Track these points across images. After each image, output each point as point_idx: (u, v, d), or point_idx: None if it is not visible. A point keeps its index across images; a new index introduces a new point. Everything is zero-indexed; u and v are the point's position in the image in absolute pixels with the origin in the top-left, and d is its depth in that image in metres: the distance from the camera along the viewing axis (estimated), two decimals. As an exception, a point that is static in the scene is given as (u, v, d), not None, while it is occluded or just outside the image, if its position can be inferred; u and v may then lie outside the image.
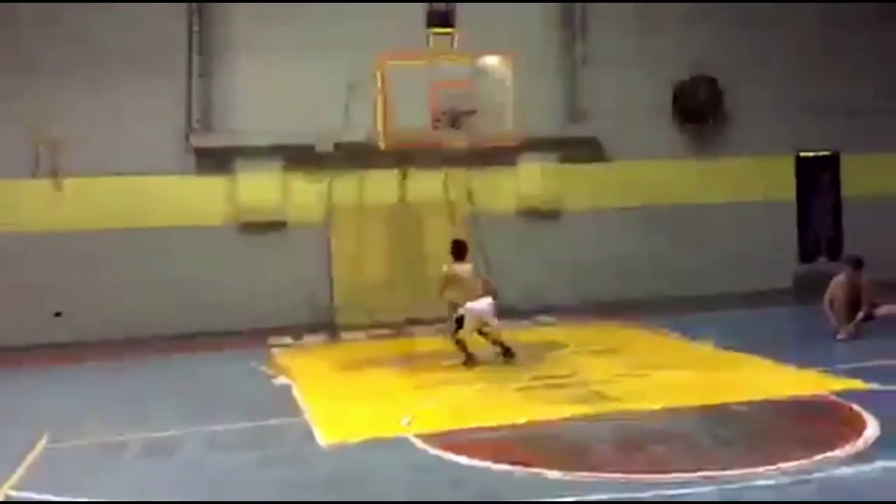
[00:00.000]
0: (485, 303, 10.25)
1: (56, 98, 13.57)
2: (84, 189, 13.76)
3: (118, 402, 9.24)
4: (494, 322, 10.38)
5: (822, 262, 16.40)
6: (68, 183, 13.74)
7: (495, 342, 10.39)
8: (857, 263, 11.08)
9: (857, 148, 16.58)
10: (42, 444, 7.46)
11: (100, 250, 13.71)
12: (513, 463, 6.29)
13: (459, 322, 10.21)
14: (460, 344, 10.26)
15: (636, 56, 15.52)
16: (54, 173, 13.67)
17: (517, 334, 11.30)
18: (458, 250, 10.58)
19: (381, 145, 11.28)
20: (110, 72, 13.76)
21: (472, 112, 10.99)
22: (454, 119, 10.97)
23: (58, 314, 13.62)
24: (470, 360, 10.16)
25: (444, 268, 10.52)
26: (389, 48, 11.51)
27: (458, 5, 11.70)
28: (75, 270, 13.59)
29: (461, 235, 10.77)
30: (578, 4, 15.48)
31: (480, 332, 10.42)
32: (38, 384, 10.58)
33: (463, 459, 6.48)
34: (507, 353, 10.32)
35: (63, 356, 12.30)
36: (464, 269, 10.49)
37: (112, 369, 11.47)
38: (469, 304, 10.18)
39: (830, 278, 11.21)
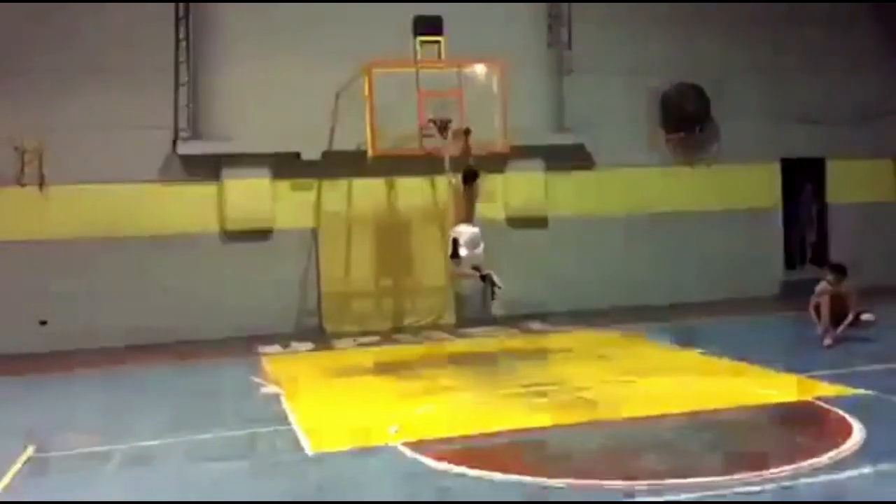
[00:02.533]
0: (474, 227, 10.66)
1: (42, 105, 13.49)
2: (70, 197, 13.69)
3: (103, 412, 9.17)
4: (480, 249, 10.63)
5: (809, 269, 16.48)
6: (54, 191, 13.68)
7: (485, 278, 10.66)
8: (841, 270, 11.18)
9: (842, 154, 16.70)
10: (27, 454, 7.39)
11: (86, 258, 13.62)
12: (500, 471, 6.28)
13: (455, 244, 10.49)
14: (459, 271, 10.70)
15: (623, 64, 15.58)
16: (40, 181, 13.61)
17: (504, 341, 11.31)
18: (469, 176, 10.75)
19: (369, 153, 11.30)
20: (97, 79, 13.66)
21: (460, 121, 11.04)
22: (442, 127, 11.02)
23: (43, 323, 13.54)
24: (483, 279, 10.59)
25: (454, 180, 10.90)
26: (377, 56, 11.54)
27: (446, 14, 11.75)
28: (61, 279, 13.49)
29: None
30: (566, 12, 15.54)
31: (475, 269, 10.67)
32: (22, 393, 10.49)
33: (450, 467, 6.47)
34: (492, 293, 10.65)
35: (48, 365, 12.20)
36: (469, 192, 10.77)
37: (97, 378, 11.38)
38: (461, 227, 10.48)
39: (816, 284, 11.29)
